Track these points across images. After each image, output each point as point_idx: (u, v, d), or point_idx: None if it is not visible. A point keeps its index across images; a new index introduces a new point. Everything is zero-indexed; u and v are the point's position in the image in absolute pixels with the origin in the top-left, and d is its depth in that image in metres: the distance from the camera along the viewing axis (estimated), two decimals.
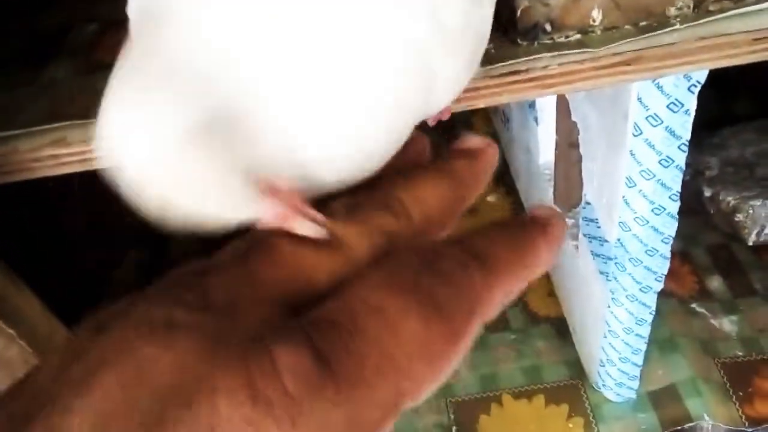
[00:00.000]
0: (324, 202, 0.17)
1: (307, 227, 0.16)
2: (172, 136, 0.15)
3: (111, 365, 0.13)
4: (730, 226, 0.75)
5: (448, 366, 0.14)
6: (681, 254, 0.76)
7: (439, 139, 0.24)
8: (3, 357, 0.34)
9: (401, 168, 0.20)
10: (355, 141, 0.20)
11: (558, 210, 0.18)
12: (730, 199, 0.74)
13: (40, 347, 0.37)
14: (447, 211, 0.18)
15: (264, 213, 0.16)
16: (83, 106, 0.35)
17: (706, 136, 0.80)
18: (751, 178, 0.75)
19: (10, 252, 0.39)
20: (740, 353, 0.68)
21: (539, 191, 0.72)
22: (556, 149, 0.63)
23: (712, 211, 0.76)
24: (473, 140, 0.21)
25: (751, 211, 0.72)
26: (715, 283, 0.74)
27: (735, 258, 0.76)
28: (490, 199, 0.87)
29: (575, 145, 0.56)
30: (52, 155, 0.33)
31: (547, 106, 0.65)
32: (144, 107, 0.15)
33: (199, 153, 0.15)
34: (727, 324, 0.70)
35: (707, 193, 0.76)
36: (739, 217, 0.73)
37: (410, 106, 0.22)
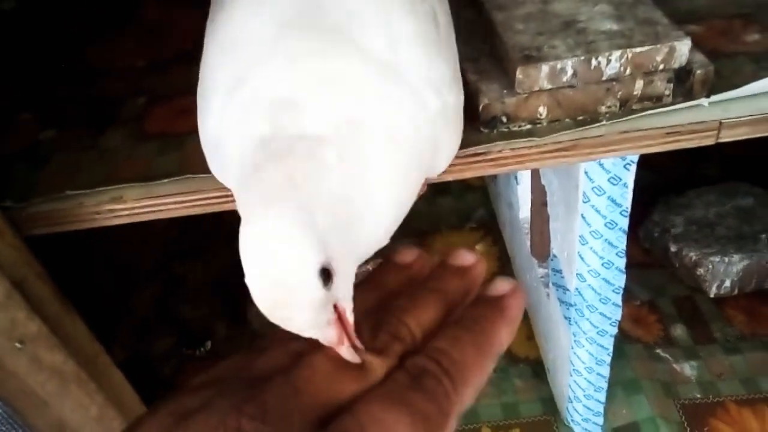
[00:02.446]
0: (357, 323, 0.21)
1: (349, 354, 0.20)
2: (310, 272, 0.20)
3: None
4: (693, 280, 0.82)
5: None
6: (648, 304, 0.84)
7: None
8: (61, 370, 0.42)
9: (409, 281, 0.25)
10: (403, 203, 0.27)
11: (514, 283, 0.23)
12: (693, 255, 0.82)
13: (88, 366, 0.45)
14: (439, 324, 0.23)
15: (327, 336, 0.21)
16: (134, 170, 0.44)
17: (674, 197, 0.88)
18: (712, 236, 0.83)
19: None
20: (699, 396, 0.74)
21: (520, 243, 0.80)
22: (531, 207, 0.71)
23: (677, 266, 0.84)
24: (466, 257, 0.24)
25: (711, 267, 0.80)
26: (679, 330, 0.81)
27: (698, 308, 0.83)
28: (478, 248, 0.95)
29: (546, 204, 0.64)
30: (110, 209, 0.41)
31: None
32: (292, 241, 0.20)
33: (316, 288, 0.20)
34: (687, 368, 0.77)
35: (673, 248, 0.84)
36: (701, 271, 0.81)
37: (425, 167, 0.29)
